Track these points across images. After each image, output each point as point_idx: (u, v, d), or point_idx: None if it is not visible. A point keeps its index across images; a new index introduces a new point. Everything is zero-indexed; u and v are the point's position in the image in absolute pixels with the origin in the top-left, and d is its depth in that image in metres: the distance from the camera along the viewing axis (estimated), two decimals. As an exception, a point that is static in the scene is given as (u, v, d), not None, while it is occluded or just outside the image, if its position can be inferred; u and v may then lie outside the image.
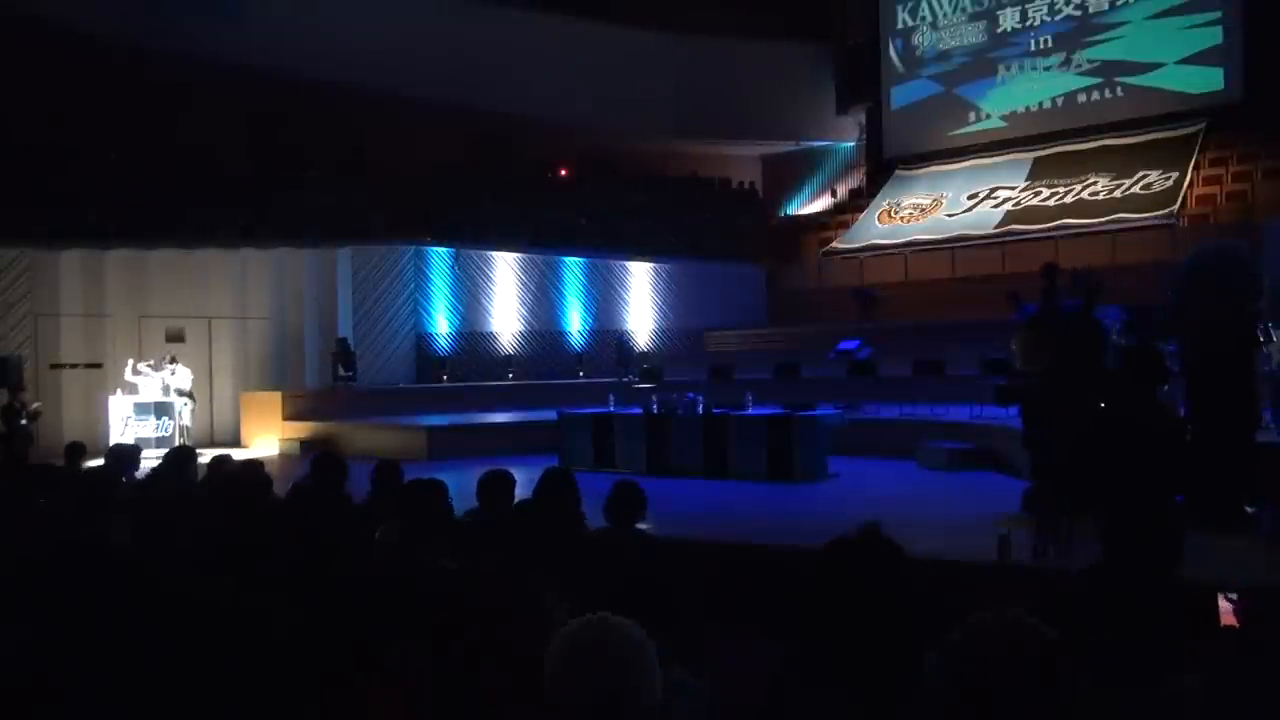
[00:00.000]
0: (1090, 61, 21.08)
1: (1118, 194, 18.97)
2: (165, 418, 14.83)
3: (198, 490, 5.44)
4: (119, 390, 15.26)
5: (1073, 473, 6.92)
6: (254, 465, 5.54)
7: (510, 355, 19.26)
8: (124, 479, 6.26)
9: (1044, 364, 7.22)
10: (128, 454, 6.65)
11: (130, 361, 15.33)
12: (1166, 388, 7.22)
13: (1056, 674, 1.44)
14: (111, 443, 10.89)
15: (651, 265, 21.40)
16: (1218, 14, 19.62)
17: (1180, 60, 19.98)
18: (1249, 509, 6.90)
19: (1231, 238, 13.88)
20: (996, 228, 19.71)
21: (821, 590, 1.82)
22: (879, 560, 1.83)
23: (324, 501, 4.69)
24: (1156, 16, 20.28)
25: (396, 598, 2.43)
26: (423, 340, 18.44)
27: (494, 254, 19.45)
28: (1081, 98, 21.20)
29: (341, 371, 16.68)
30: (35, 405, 13.96)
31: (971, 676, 1.45)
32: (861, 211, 23.04)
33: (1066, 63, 21.38)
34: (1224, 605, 3.87)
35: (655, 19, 23.73)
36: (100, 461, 6.77)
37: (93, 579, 2.61)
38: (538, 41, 22.11)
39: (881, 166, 24.18)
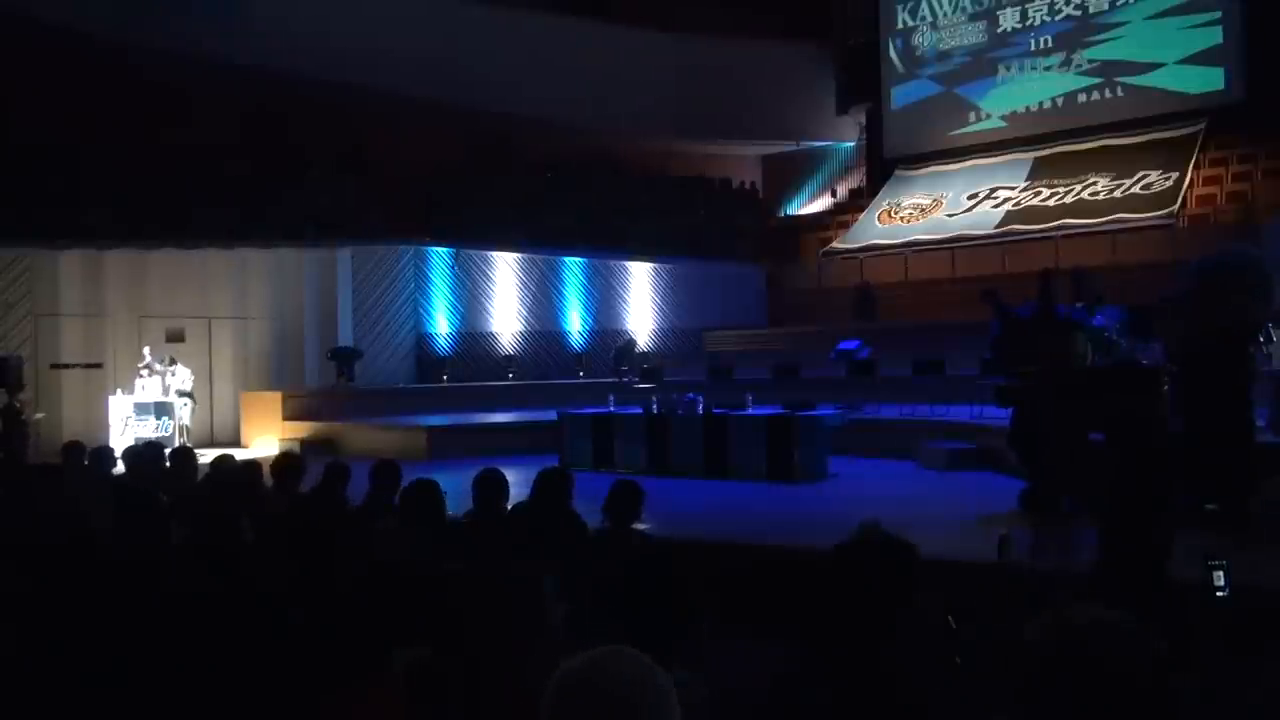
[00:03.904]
0: (1090, 61, 21.06)
1: (1118, 194, 18.96)
2: (165, 418, 14.82)
3: (198, 490, 5.45)
4: (119, 390, 15.25)
5: (1072, 472, 6.94)
6: (254, 465, 5.54)
7: (510, 355, 19.24)
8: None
9: (1026, 367, 7.24)
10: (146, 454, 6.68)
11: (149, 360, 15.31)
12: (1165, 389, 7.25)
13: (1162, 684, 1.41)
14: (111, 443, 10.90)
15: (651, 265, 21.39)
16: (1218, 14, 19.60)
17: (1180, 60, 19.97)
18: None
19: (1231, 238, 13.90)
20: (996, 228, 19.69)
21: (836, 591, 1.81)
22: (894, 561, 1.83)
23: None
24: (1156, 16, 20.26)
25: (394, 598, 2.43)
26: (423, 340, 18.44)
27: (494, 254, 19.45)
28: (1081, 98, 21.18)
29: (340, 370, 16.68)
30: (38, 416, 14.05)
31: (1076, 674, 1.41)
32: (861, 211, 23.02)
33: (1066, 63, 21.37)
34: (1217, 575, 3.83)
35: (655, 19, 23.70)
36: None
37: (91, 578, 2.61)
38: (538, 41, 22.08)
39: (881, 166, 24.16)
